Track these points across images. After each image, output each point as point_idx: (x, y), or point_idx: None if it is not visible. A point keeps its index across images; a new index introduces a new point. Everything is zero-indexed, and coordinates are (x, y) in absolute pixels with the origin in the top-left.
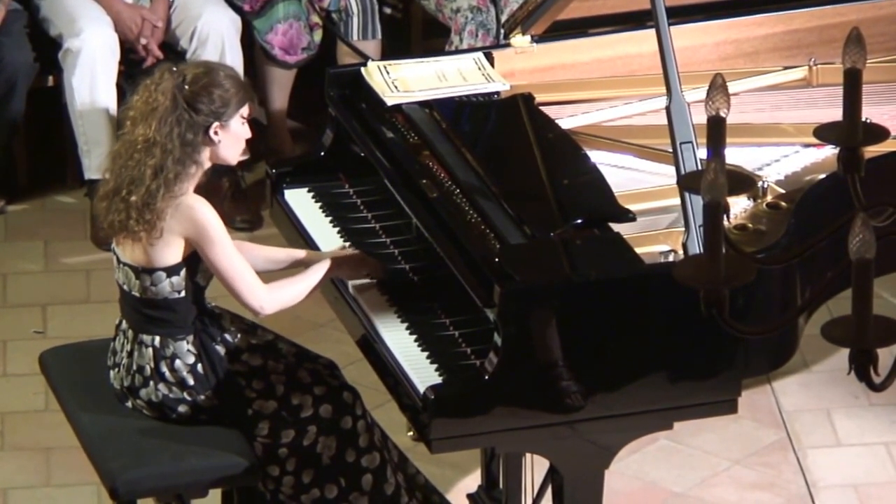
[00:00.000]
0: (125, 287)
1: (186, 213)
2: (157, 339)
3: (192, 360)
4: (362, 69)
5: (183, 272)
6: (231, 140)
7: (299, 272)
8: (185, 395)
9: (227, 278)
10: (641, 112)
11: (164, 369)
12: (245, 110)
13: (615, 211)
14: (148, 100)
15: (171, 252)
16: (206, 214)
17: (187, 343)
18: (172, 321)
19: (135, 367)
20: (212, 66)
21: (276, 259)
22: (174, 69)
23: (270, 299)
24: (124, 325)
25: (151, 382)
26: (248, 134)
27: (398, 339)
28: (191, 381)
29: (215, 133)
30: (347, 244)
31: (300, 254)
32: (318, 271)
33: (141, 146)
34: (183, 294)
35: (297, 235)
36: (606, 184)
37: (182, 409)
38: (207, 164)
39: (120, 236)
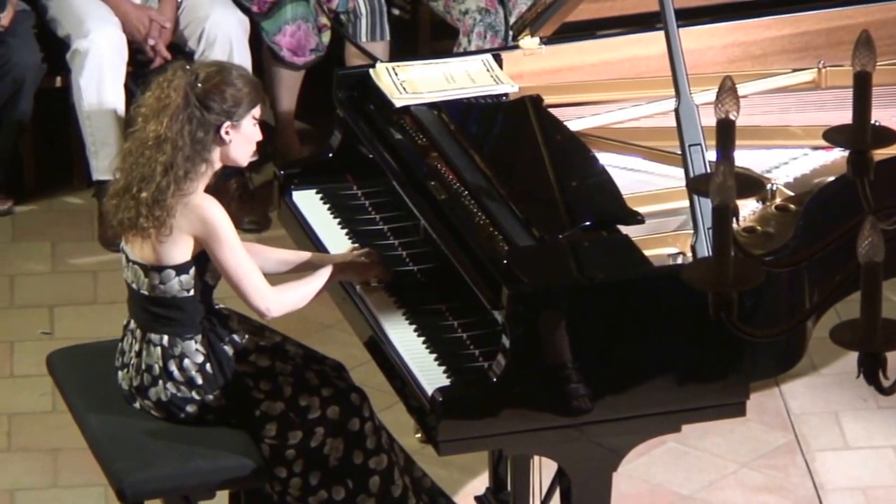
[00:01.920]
0: (134, 286)
1: (196, 212)
2: (166, 338)
3: (200, 359)
4: (370, 70)
5: (192, 271)
6: (242, 140)
7: (308, 274)
8: (194, 394)
9: (234, 279)
10: (650, 114)
11: (173, 368)
12: (257, 111)
13: (623, 213)
14: (160, 96)
15: (180, 250)
16: (216, 214)
17: (195, 342)
18: (180, 320)
19: (143, 367)
20: (225, 65)
21: (285, 261)
22: (187, 67)
23: (277, 301)
24: (132, 324)
25: (160, 381)
26: (258, 136)
27: (406, 340)
28: (199, 381)
29: (226, 133)
30: (356, 246)
31: (309, 256)
32: (325, 274)
33: (152, 143)
34: (192, 293)
35: (305, 237)
36: (615, 186)
37: (190, 408)
38: (218, 165)
39: (129, 234)
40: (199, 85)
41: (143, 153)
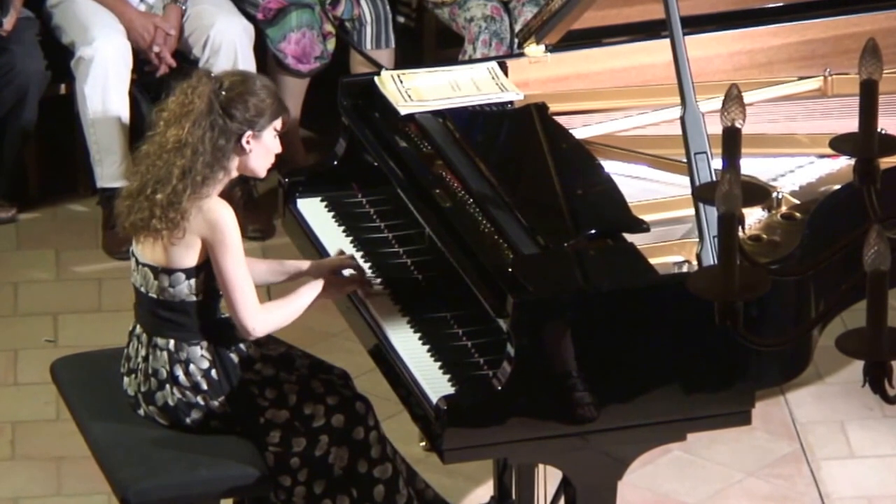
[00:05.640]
0: (142, 289)
1: (208, 216)
2: (172, 342)
3: (206, 365)
4: (375, 78)
5: (202, 275)
6: (262, 151)
7: (294, 292)
8: (199, 399)
9: (229, 289)
10: (655, 122)
11: (179, 373)
12: (278, 124)
13: (629, 221)
14: (183, 102)
15: (190, 254)
16: (227, 220)
17: (201, 348)
18: (187, 325)
19: (150, 371)
20: (249, 75)
21: (273, 270)
22: (212, 74)
23: (264, 321)
24: (138, 329)
25: (167, 386)
26: (278, 148)
27: (410, 349)
28: (204, 386)
29: (247, 142)
30: (340, 252)
31: (295, 264)
32: (309, 294)
33: (171, 147)
34: (200, 298)
35: (310, 245)
36: (620, 194)
37: (195, 414)
38: (235, 173)
39: (141, 235)
40: (224, 93)
41: (160, 156)
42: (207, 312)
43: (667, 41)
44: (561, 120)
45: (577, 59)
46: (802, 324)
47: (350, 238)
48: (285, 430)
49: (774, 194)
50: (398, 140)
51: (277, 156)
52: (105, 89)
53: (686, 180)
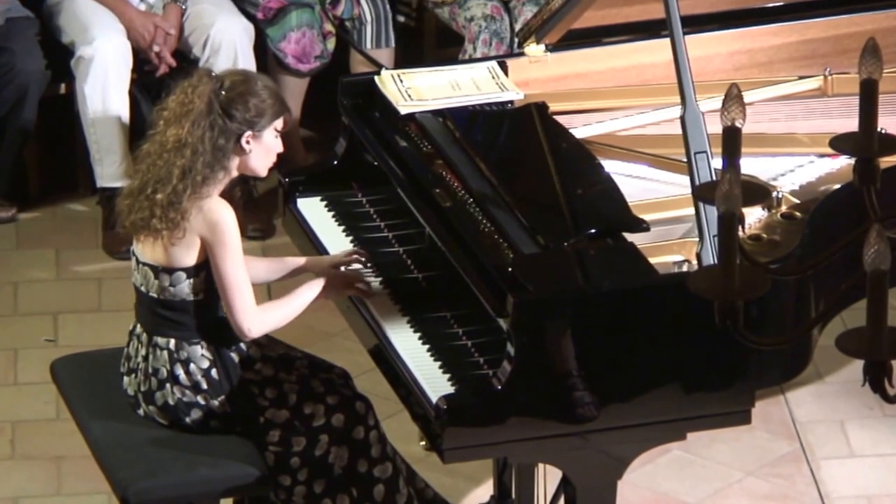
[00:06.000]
0: (143, 289)
1: (208, 216)
2: (172, 341)
3: (206, 364)
4: (375, 78)
5: (203, 275)
6: (262, 151)
7: (292, 292)
8: (199, 398)
9: (227, 289)
10: (656, 122)
11: (180, 372)
12: (279, 123)
13: (629, 221)
14: (183, 101)
15: (191, 253)
16: (227, 219)
17: (202, 348)
18: (187, 324)
19: (150, 371)
20: (250, 75)
21: (273, 269)
22: (213, 73)
23: (260, 322)
24: (138, 329)
25: (168, 385)
26: (279, 148)
27: (410, 348)
28: (204, 386)
29: (247, 142)
30: (352, 250)
31: (297, 261)
32: (306, 295)
33: (171, 146)
34: (200, 297)
35: (310, 244)
36: (620, 193)
37: (195, 413)
38: (235, 173)
39: (141, 235)
40: (224, 93)
41: (161, 156)
42: (208, 312)
43: (667, 41)
44: (561, 119)
45: (577, 58)
46: (802, 323)
47: (350, 237)
48: (285, 429)
49: (774, 194)
50: (398, 140)
51: (278, 155)
52: (105, 89)
53: (686, 180)
